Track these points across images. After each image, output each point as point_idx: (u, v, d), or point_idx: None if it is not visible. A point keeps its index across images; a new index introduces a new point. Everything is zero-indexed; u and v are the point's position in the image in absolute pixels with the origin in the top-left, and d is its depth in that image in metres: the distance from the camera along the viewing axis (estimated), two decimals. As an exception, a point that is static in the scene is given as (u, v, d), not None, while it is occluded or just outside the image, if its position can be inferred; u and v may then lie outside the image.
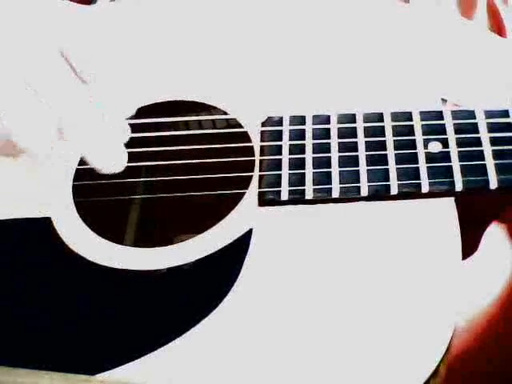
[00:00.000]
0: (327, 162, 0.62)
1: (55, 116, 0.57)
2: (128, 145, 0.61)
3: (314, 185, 0.61)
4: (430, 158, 0.61)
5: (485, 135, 0.62)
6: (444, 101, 0.66)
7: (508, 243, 0.66)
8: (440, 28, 0.71)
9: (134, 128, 0.66)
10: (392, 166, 0.61)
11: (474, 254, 0.64)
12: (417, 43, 0.70)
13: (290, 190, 0.61)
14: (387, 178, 0.60)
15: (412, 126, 0.63)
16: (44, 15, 0.58)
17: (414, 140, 0.62)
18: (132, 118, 0.62)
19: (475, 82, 0.68)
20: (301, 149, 0.63)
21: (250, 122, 0.66)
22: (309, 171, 0.62)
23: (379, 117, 0.64)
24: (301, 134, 0.64)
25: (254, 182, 0.62)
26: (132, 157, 0.64)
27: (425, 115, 0.63)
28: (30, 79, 0.56)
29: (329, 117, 0.64)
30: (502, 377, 0.64)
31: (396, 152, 0.62)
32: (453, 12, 0.79)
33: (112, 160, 0.59)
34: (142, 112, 0.65)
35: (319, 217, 0.60)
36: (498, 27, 0.81)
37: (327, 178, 0.61)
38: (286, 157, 0.63)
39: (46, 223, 0.62)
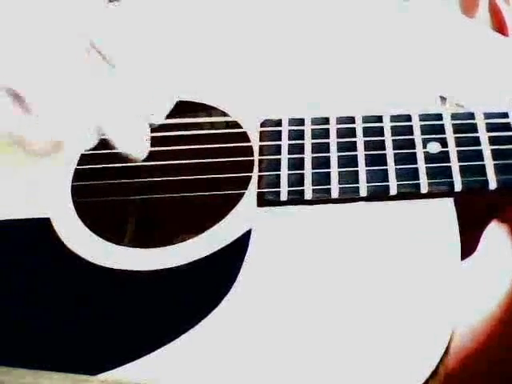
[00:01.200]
0: (326, 163, 0.62)
1: (92, 109, 0.57)
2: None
3: (313, 185, 0.61)
4: (429, 158, 0.61)
5: (484, 136, 0.61)
6: (443, 98, 0.66)
7: (508, 242, 0.66)
8: (441, 27, 0.71)
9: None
10: (391, 167, 0.61)
11: (472, 255, 0.64)
12: (418, 42, 0.70)
13: (289, 191, 0.61)
14: (386, 179, 0.60)
15: (411, 126, 0.63)
16: (69, 7, 0.58)
17: (413, 140, 0.62)
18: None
19: (476, 81, 0.68)
20: (300, 149, 0.63)
21: (249, 123, 0.66)
22: (308, 171, 0.62)
23: (378, 118, 0.63)
24: (300, 134, 0.64)
25: (254, 183, 0.62)
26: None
27: (424, 116, 0.63)
28: (63, 74, 0.56)
29: (328, 118, 0.64)
30: (503, 377, 0.64)
31: (395, 152, 0.61)
32: (454, 11, 0.79)
33: (139, 146, 0.59)
34: None
35: (318, 217, 0.60)
36: (500, 26, 0.81)
37: (326, 178, 0.61)
38: (285, 157, 0.63)
39: (44, 224, 0.63)
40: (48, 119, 0.56)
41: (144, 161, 0.65)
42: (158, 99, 0.59)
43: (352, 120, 0.64)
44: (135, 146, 0.59)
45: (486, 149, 0.61)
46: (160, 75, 0.59)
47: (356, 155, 0.62)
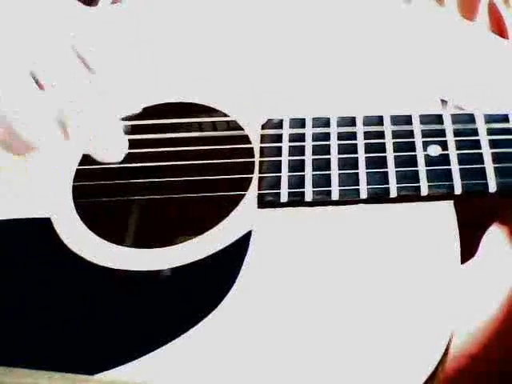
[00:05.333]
0: (327, 165, 0.62)
1: (57, 106, 0.57)
2: (129, 145, 0.61)
3: (313, 187, 0.61)
4: (430, 161, 0.61)
5: (484, 139, 0.62)
6: (444, 102, 0.66)
7: (508, 245, 0.66)
8: (440, 29, 0.71)
9: (135, 129, 0.67)
10: (391, 169, 0.61)
11: (473, 258, 0.64)
12: (417, 45, 0.70)
13: (289, 192, 0.61)
14: (386, 181, 0.60)
15: (411, 129, 0.63)
16: (55, 9, 0.59)
17: (414, 143, 0.62)
18: (134, 119, 0.62)
19: (477, 84, 0.68)
20: (300, 151, 0.63)
21: (250, 124, 0.66)
22: (308, 173, 0.62)
23: (379, 120, 0.64)
24: (300, 136, 0.64)
25: (254, 184, 0.62)
26: (132, 158, 0.64)
27: (424, 118, 0.63)
28: (36, 68, 0.56)
29: (328, 119, 0.64)
30: (503, 371, 0.64)
31: (395, 155, 0.62)
32: (453, 13, 0.79)
33: (112, 150, 0.59)
34: (144, 113, 0.65)
35: (318, 219, 0.61)
36: (499, 28, 0.81)
37: (327, 180, 0.61)
38: (285, 158, 0.63)
39: (45, 224, 0.63)
40: (19, 120, 0.57)
41: (146, 161, 0.66)
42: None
43: (353, 122, 0.64)
44: (109, 152, 0.59)
45: (487, 152, 0.61)
46: (140, 82, 0.60)
47: (356, 157, 0.62)
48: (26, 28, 0.57)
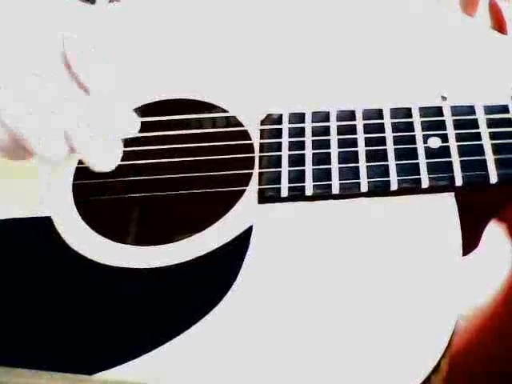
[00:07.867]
0: (327, 159, 0.62)
1: (60, 120, 0.57)
2: (128, 143, 0.61)
3: (313, 181, 0.61)
4: (430, 153, 0.61)
5: (484, 130, 0.62)
6: (444, 98, 0.66)
7: (508, 240, 0.66)
8: (441, 25, 0.71)
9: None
10: (392, 162, 0.61)
11: (474, 251, 0.64)
12: (417, 40, 0.70)
13: (289, 187, 0.61)
14: (387, 174, 0.60)
15: (411, 121, 0.63)
16: (46, 15, 0.58)
17: (414, 135, 0.62)
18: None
19: (476, 79, 0.68)
20: (300, 145, 0.63)
21: (249, 120, 0.66)
22: (308, 168, 0.62)
23: (379, 113, 0.64)
24: (300, 131, 0.64)
25: (254, 179, 0.62)
26: (132, 155, 0.64)
27: (424, 111, 0.63)
28: (32, 84, 0.56)
29: (328, 113, 0.64)
30: (503, 372, 0.64)
31: (395, 147, 0.62)
32: (454, 9, 0.79)
33: (105, 159, 0.58)
34: (143, 111, 0.65)
35: (319, 213, 0.60)
36: (499, 25, 0.81)
37: (327, 174, 0.61)
38: (285, 153, 0.63)
39: (46, 223, 0.62)
40: (12, 122, 0.56)
41: (146, 159, 0.66)
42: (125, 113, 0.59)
43: (352, 116, 0.64)
44: (101, 160, 0.58)
45: (487, 143, 0.61)
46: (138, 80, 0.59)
47: (357, 151, 0.62)
48: (17, 37, 0.57)
